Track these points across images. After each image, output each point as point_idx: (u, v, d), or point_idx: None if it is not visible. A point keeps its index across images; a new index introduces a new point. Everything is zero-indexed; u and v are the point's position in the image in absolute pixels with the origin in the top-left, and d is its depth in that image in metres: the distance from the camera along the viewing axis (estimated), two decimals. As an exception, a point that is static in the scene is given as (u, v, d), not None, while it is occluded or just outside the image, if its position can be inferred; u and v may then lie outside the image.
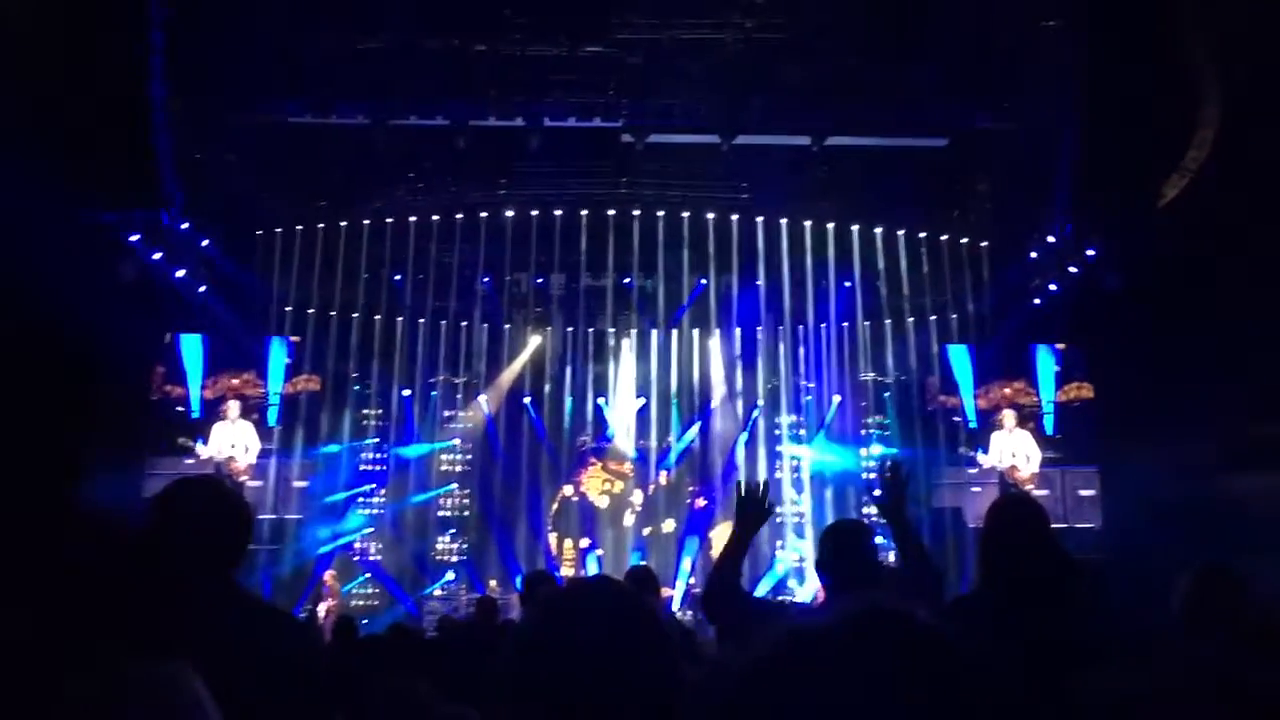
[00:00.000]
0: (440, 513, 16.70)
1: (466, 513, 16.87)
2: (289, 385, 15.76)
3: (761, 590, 15.59)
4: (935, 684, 0.98)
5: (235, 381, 15.81)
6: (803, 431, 16.94)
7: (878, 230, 16.65)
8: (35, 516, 1.57)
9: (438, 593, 15.84)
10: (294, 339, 15.95)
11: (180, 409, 15.50)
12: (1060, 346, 15.62)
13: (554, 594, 1.75)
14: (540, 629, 1.59)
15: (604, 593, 1.68)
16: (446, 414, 17.10)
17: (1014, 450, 15.71)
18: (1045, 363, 15.82)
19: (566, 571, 16.11)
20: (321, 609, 13.89)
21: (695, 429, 17.18)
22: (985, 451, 15.76)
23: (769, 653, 1.02)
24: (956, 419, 16.21)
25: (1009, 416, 15.90)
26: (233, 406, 15.53)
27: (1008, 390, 16.20)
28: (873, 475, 15.64)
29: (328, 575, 14.70)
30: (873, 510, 11.79)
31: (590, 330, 17.52)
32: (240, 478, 14.97)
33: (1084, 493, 15.28)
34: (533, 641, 1.57)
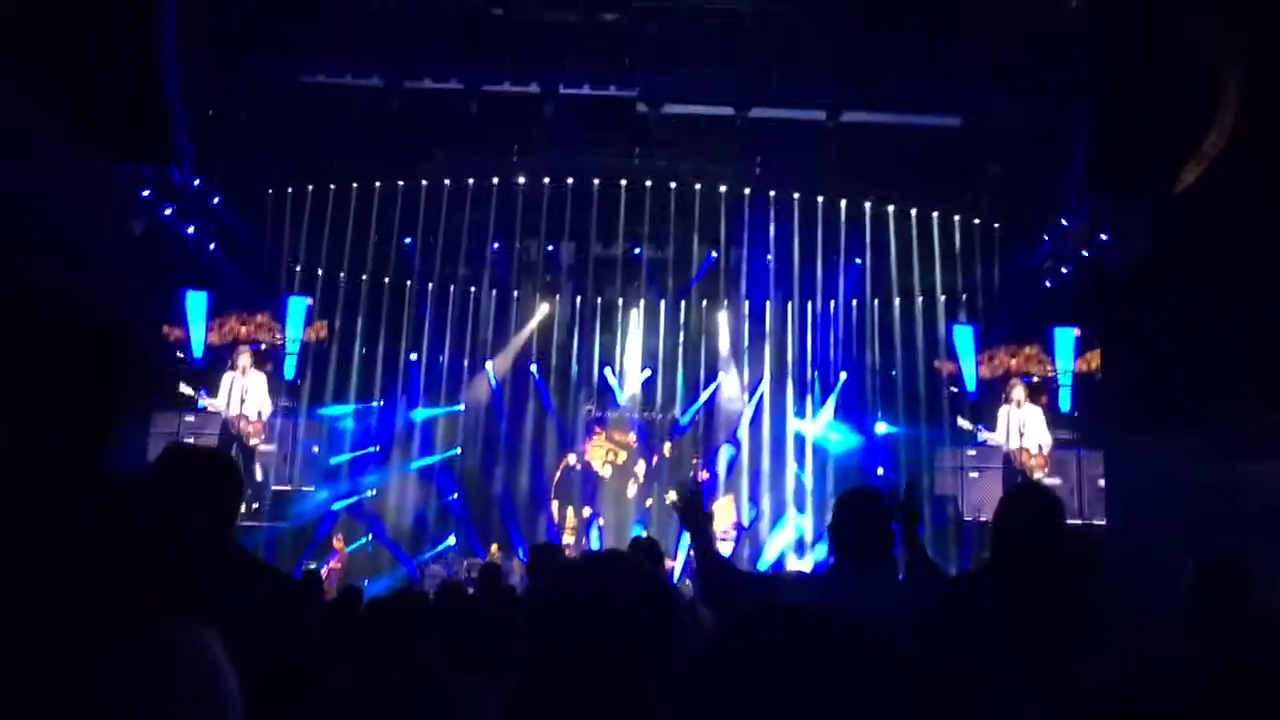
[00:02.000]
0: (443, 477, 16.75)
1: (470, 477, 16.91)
2: (309, 331, 15.40)
3: (764, 561, 15.67)
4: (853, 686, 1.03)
5: (246, 328, 14.99)
6: (808, 407, 16.92)
7: (890, 208, 16.58)
8: (61, 483, 1.58)
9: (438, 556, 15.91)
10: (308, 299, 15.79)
11: (180, 354, 14.66)
12: (1077, 333, 14.92)
13: (564, 566, 1.76)
14: (551, 601, 1.60)
15: (614, 566, 1.69)
16: (453, 380, 17.10)
17: (1023, 428, 14.22)
18: (1064, 339, 14.87)
19: (568, 540, 16.16)
20: (325, 569, 13.97)
21: (705, 396, 17.16)
22: (989, 429, 14.40)
23: (708, 643, 1.12)
24: (954, 389, 15.53)
25: (1019, 389, 14.47)
26: (244, 355, 14.55)
27: (1015, 359, 15.03)
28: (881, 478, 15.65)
29: (335, 538, 14.75)
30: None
31: (599, 300, 17.51)
32: (251, 440, 14.30)
33: (1104, 482, 14.02)
34: (543, 613, 1.58)
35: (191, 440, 13.02)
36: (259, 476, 14.52)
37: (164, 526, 1.64)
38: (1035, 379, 14.73)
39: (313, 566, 14.03)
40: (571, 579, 1.64)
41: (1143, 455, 12.29)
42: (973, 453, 14.67)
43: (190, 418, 14.13)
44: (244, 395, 14.32)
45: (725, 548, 16.13)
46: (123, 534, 1.52)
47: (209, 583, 1.73)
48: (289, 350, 15.24)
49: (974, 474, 14.34)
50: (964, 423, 14.76)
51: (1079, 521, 13.36)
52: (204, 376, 14.40)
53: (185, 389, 14.07)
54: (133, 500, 1.61)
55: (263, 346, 14.97)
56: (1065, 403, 14.70)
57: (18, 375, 1.66)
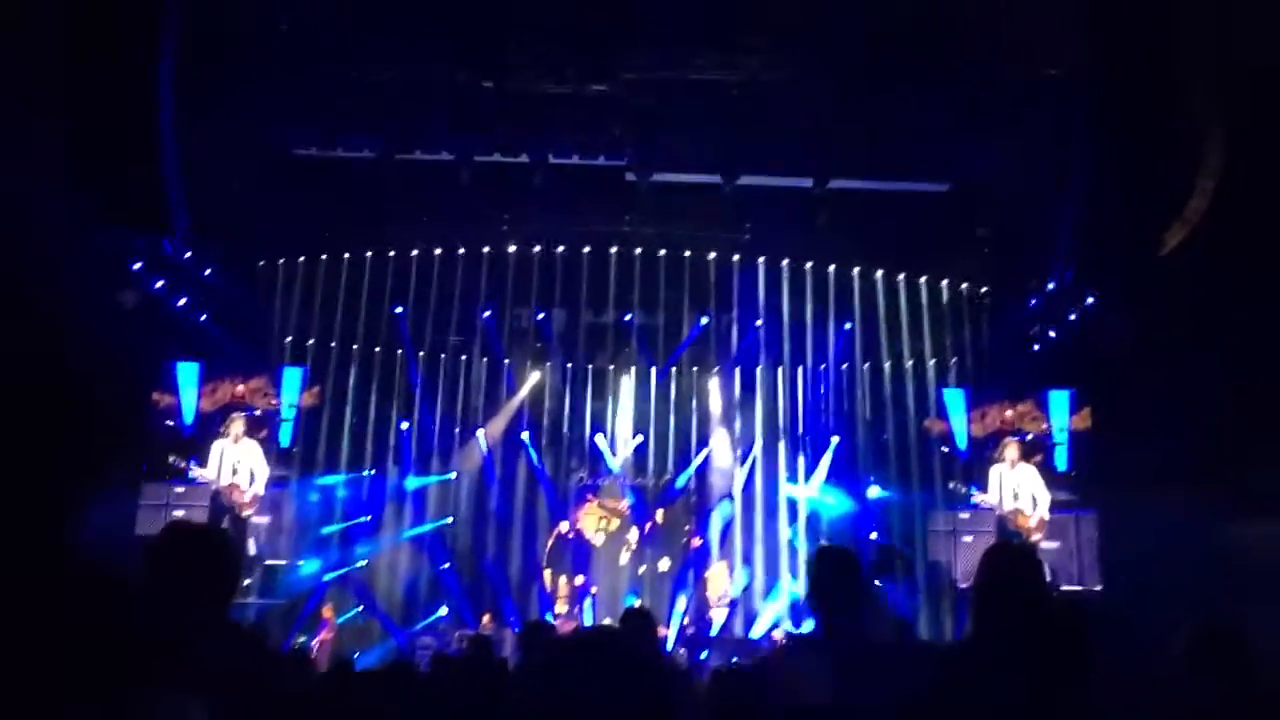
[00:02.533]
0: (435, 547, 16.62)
1: (461, 547, 16.79)
2: (305, 396, 15.11)
3: (758, 629, 15.53)
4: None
5: (240, 389, 14.62)
6: (800, 472, 16.88)
7: (879, 274, 16.70)
8: (31, 559, 1.58)
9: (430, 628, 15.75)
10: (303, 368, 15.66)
11: (170, 423, 14.24)
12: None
13: (556, 645, 1.75)
14: (543, 678, 1.59)
15: (605, 644, 1.68)
16: (444, 448, 17.05)
17: (1017, 489, 13.82)
18: (1059, 399, 14.57)
19: (561, 609, 16.03)
20: (315, 642, 13.81)
21: (696, 463, 17.11)
22: (982, 489, 13.95)
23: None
24: (945, 449, 15.14)
25: (1011, 447, 14.05)
26: (236, 422, 14.16)
27: (1010, 413, 14.61)
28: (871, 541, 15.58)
29: (326, 609, 14.60)
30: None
31: (590, 366, 17.52)
32: (244, 512, 13.89)
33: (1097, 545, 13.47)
34: (535, 691, 1.57)
35: (181, 513, 12.92)
36: (251, 550, 14.19)
37: (139, 610, 1.64)
38: (1029, 436, 14.34)
39: (303, 640, 13.88)
40: (563, 659, 1.63)
41: (1137, 518, 12.15)
42: (965, 515, 14.19)
43: (179, 489, 13.75)
44: (235, 465, 14.00)
45: (719, 615, 16.02)
46: (94, 618, 1.51)
47: (191, 655, 1.73)
48: (285, 416, 14.93)
49: (967, 538, 13.75)
50: (955, 485, 14.44)
51: (1078, 587, 13.09)
52: (194, 445, 14.09)
53: (174, 460, 13.72)
54: (105, 586, 1.61)
55: (257, 412, 14.68)
56: (1062, 461, 14.29)
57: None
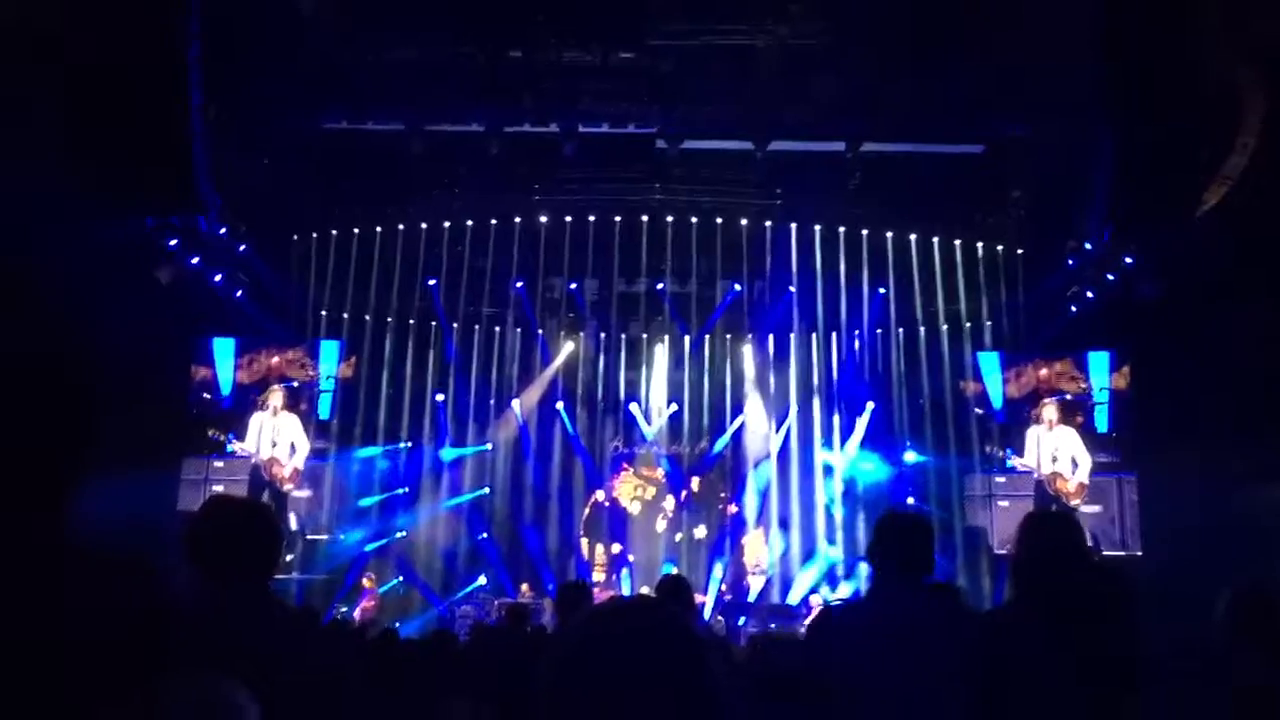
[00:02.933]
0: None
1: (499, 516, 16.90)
2: (344, 366, 15.08)
3: (795, 595, 15.56)
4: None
5: (277, 360, 14.42)
6: (836, 438, 16.83)
7: (912, 237, 16.55)
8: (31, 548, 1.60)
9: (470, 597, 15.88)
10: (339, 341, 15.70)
11: (207, 396, 14.06)
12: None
13: (589, 613, 1.74)
14: (577, 648, 1.59)
15: (642, 612, 1.68)
16: (480, 419, 17.12)
17: (1056, 452, 13.47)
18: (1098, 360, 14.24)
19: (599, 577, 16.14)
20: (358, 611, 13.96)
21: (731, 430, 17.10)
22: (1018, 453, 13.62)
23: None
24: (980, 411, 14.67)
25: (1050, 408, 13.63)
26: (275, 394, 14.01)
27: (1045, 372, 14.07)
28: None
29: (366, 580, 14.74)
30: None
31: (623, 336, 17.53)
32: (285, 486, 13.83)
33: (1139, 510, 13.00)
34: (569, 661, 1.57)
35: (220, 488, 13.03)
36: (293, 525, 14.17)
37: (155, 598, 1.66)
38: (1068, 396, 13.87)
39: (344, 610, 14.04)
40: (595, 628, 1.63)
41: (1178, 481, 11.96)
42: (1002, 479, 13.86)
43: (219, 463, 13.70)
44: (275, 438, 13.90)
45: (756, 582, 16.06)
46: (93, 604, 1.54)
47: (227, 635, 1.75)
48: (324, 387, 14.79)
49: (1004, 503, 13.41)
50: (992, 448, 14.05)
51: (1121, 553, 12.74)
52: (233, 419, 14.02)
53: (213, 434, 13.66)
54: (106, 575, 1.63)
55: (296, 384, 14.57)
56: (1102, 422, 13.80)
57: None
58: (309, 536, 14.65)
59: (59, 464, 1.68)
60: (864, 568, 15.20)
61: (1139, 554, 12.93)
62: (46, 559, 1.60)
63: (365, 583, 14.72)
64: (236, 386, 14.27)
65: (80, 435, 1.71)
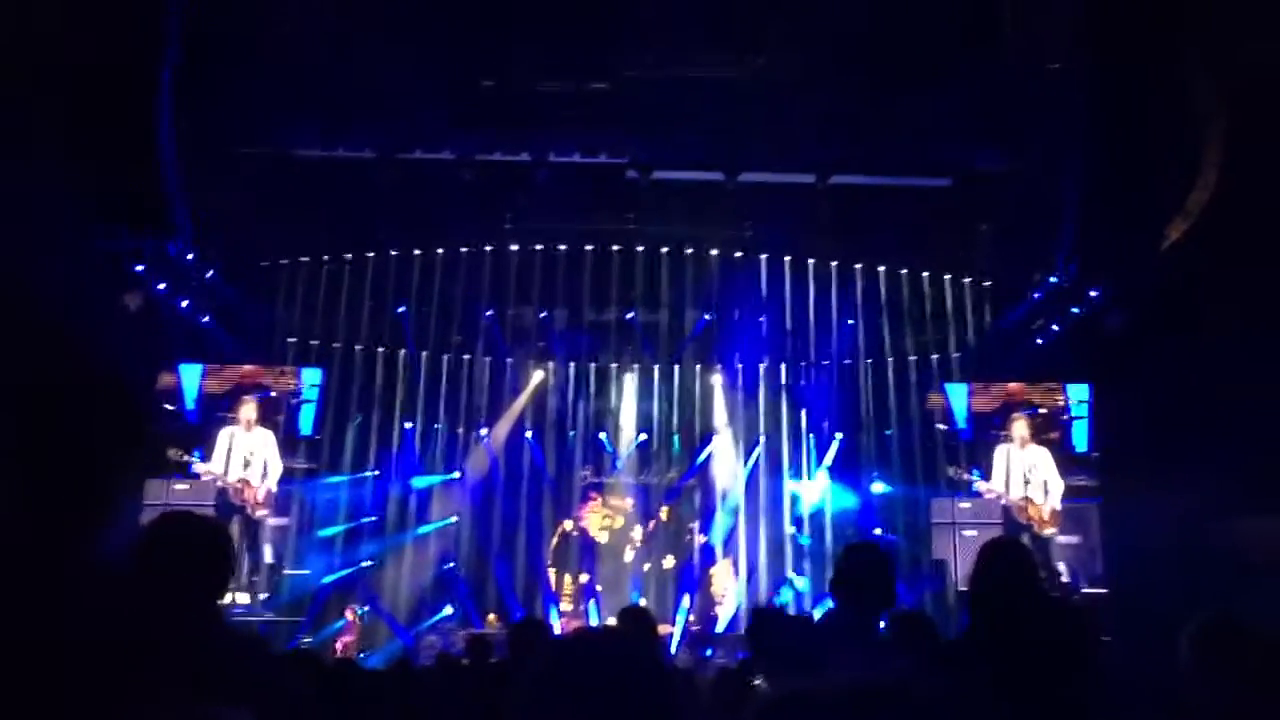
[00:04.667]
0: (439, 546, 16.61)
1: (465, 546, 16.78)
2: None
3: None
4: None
5: (250, 368, 13.27)
6: (804, 468, 16.85)
7: (881, 269, 16.67)
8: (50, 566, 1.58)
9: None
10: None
11: (168, 406, 12.76)
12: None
13: (557, 645, 1.73)
14: (546, 681, 1.57)
15: (608, 644, 1.67)
16: (448, 447, 17.04)
17: (1028, 473, 12.26)
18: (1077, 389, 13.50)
19: (566, 607, 16.04)
20: (339, 643, 13.77)
21: (700, 460, 17.09)
22: (985, 476, 12.37)
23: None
24: (942, 426, 13.91)
25: (1020, 423, 12.50)
26: (247, 405, 12.71)
27: (1017, 385, 13.09)
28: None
29: (349, 612, 14.52)
30: None
31: (593, 365, 17.52)
32: (257, 511, 12.62)
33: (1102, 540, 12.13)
34: (538, 694, 1.55)
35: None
36: (268, 558, 13.11)
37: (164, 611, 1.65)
38: (1042, 410, 12.95)
39: (308, 640, 13.86)
40: (564, 659, 1.61)
41: (1142, 512, 11.75)
42: (966, 505, 12.77)
43: (180, 485, 12.40)
44: (248, 456, 12.70)
45: (724, 612, 16.01)
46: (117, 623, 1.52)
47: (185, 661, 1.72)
48: (306, 396, 13.62)
49: (969, 531, 12.32)
50: (955, 470, 12.95)
51: (1101, 590, 11.96)
52: (197, 435, 12.75)
53: (174, 453, 12.28)
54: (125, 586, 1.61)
55: (273, 394, 13.45)
56: (1080, 440, 12.93)
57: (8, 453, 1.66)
58: (286, 571, 13.90)
59: (95, 475, 1.68)
60: (792, 590, 15.20)
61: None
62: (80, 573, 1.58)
63: (348, 614, 14.49)
64: (203, 397, 13.02)
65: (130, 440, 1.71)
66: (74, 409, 1.68)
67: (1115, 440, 13.55)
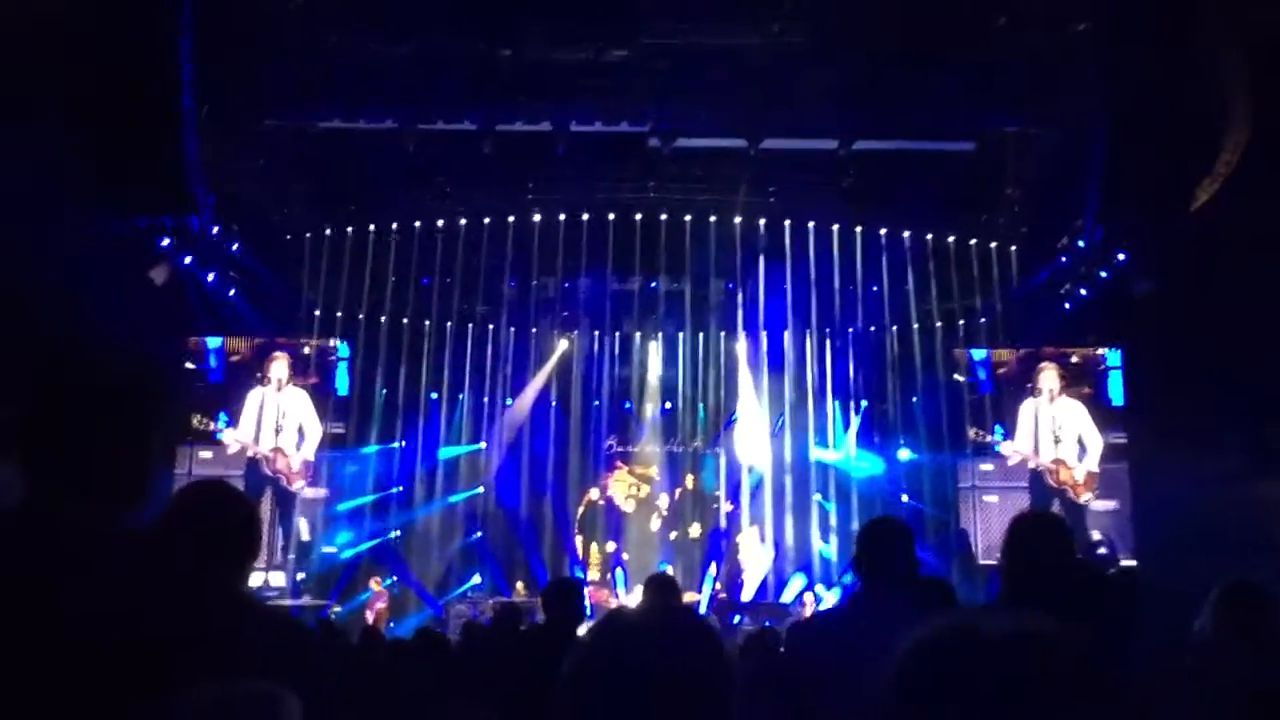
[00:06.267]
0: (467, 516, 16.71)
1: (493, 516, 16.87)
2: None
3: (789, 594, 15.54)
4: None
5: (280, 339, 12.35)
6: (830, 435, 16.84)
7: (905, 234, 16.55)
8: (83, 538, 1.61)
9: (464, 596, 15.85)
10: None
11: (190, 365, 11.55)
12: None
13: (617, 623, 1.71)
14: (603, 658, 1.55)
15: (671, 623, 1.65)
16: (474, 417, 17.11)
17: (1058, 430, 10.96)
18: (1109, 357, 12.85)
19: (593, 576, 16.13)
20: (370, 614, 13.89)
21: (725, 428, 17.11)
22: (1009, 434, 11.13)
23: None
24: (960, 378, 12.79)
25: (1049, 373, 11.22)
26: (278, 362, 11.56)
27: (1046, 350, 11.80)
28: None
29: (373, 582, 14.64)
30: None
31: (617, 334, 17.53)
32: (293, 483, 11.65)
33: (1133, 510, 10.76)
34: (594, 670, 1.53)
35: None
36: (304, 534, 12.28)
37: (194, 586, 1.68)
38: (1074, 359, 11.65)
39: (338, 610, 13.98)
40: (635, 638, 1.58)
41: (1173, 481, 11.42)
42: (988, 467, 11.70)
43: (205, 453, 11.47)
44: (280, 421, 11.65)
45: (751, 580, 16.05)
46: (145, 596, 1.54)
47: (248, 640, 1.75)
48: (340, 354, 12.51)
49: (990, 497, 11.23)
50: (975, 433, 11.92)
51: (1135, 563, 11.04)
52: (223, 396, 11.81)
53: (198, 419, 11.26)
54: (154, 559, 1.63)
55: (306, 350, 12.36)
56: (1116, 392, 11.69)
57: (44, 429, 1.69)
58: (325, 550, 13.39)
59: (132, 449, 1.71)
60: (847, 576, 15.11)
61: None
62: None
63: (373, 585, 14.62)
64: (227, 356, 11.82)
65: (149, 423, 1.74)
66: (94, 380, 1.69)
67: (1146, 402, 13.21)
